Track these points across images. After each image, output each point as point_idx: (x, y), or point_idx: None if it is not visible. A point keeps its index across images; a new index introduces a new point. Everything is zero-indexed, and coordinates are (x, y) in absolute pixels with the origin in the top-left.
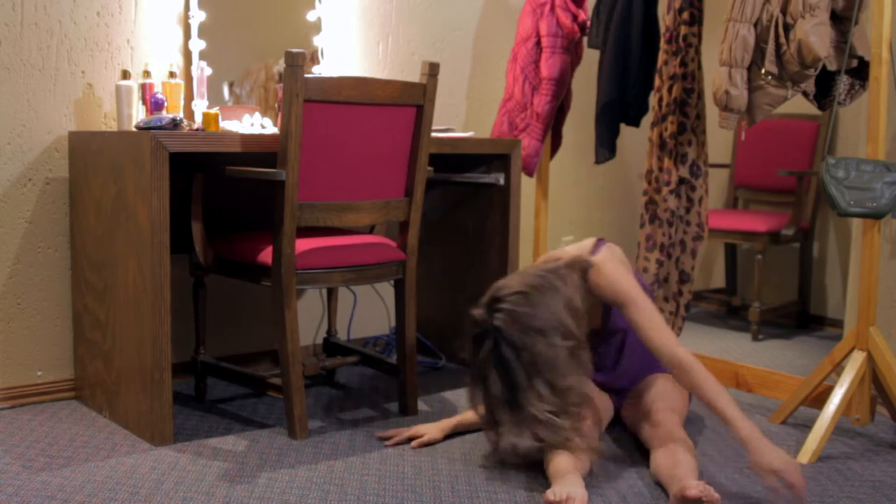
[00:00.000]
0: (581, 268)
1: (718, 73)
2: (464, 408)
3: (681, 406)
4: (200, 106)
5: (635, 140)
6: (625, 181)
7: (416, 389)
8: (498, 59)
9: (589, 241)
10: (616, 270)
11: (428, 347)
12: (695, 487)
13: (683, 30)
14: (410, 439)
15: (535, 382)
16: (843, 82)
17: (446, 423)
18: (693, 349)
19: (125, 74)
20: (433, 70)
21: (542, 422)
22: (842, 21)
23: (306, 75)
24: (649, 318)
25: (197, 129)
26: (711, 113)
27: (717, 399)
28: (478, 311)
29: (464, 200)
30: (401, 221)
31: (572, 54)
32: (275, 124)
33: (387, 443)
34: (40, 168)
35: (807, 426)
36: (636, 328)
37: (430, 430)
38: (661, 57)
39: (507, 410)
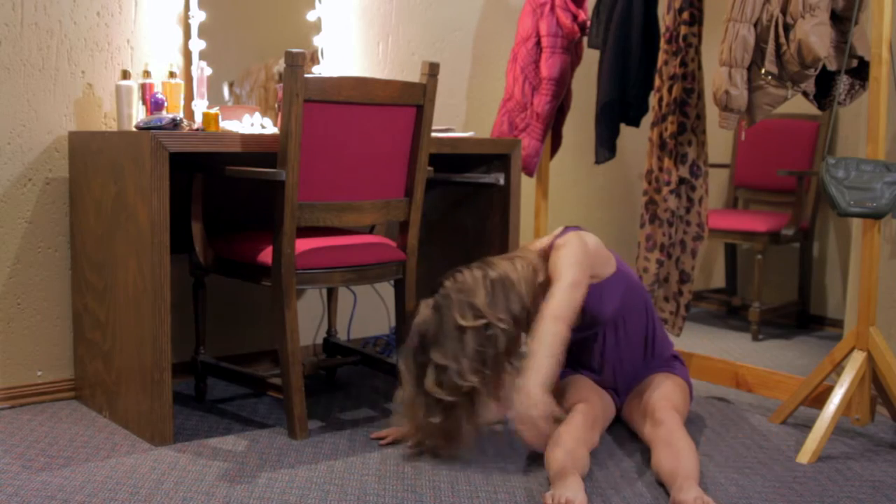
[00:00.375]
0: (540, 253)
1: (718, 73)
2: None
3: (682, 405)
4: (200, 106)
5: (635, 140)
6: (625, 181)
7: None
8: (498, 59)
9: (560, 229)
10: (565, 251)
11: None
12: (692, 502)
13: (683, 30)
14: (405, 439)
15: (432, 358)
16: (843, 82)
17: None
18: (693, 349)
19: (125, 74)
20: (433, 70)
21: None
22: (842, 21)
23: (306, 75)
24: (554, 288)
25: (197, 129)
26: (711, 113)
27: (535, 347)
28: None
29: (464, 200)
30: (401, 221)
31: (572, 54)
32: (275, 124)
33: (381, 442)
34: (40, 168)
35: (807, 426)
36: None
37: None
38: (661, 57)
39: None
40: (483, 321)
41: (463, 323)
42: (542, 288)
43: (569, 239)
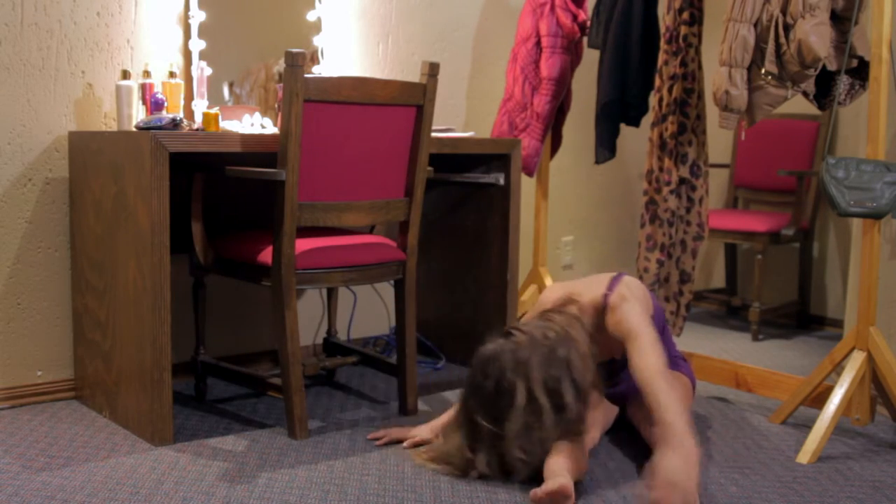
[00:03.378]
0: (596, 310)
1: (718, 73)
2: None
3: (684, 403)
4: (200, 106)
5: (635, 140)
6: (625, 181)
7: (416, 389)
8: (498, 59)
9: (605, 278)
10: (627, 310)
11: (428, 347)
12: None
13: (683, 30)
14: (402, 440)
15: (511, 426)
16: (843, 82)
17: (437, 423)
18: (693, 349)
19: (125, 74)
20: (433, 70)
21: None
22: (842, 21)
23: (306, 75)
24: (640, 348)
25: (197, 129)
26: (711, 113)
27: (662, 405)
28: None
29: (464, 200)
30: (401, 221)
31: (572, 54)
32: (275, 124)
33: (377, 442)
34: (40, 168)
35: (807, 426)
36: (628, 357)
37: (421, 430)
38: (661, 57)
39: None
40: (557, 400)
41: (536, 395)
42: (598, 344)
43: (621, 296)
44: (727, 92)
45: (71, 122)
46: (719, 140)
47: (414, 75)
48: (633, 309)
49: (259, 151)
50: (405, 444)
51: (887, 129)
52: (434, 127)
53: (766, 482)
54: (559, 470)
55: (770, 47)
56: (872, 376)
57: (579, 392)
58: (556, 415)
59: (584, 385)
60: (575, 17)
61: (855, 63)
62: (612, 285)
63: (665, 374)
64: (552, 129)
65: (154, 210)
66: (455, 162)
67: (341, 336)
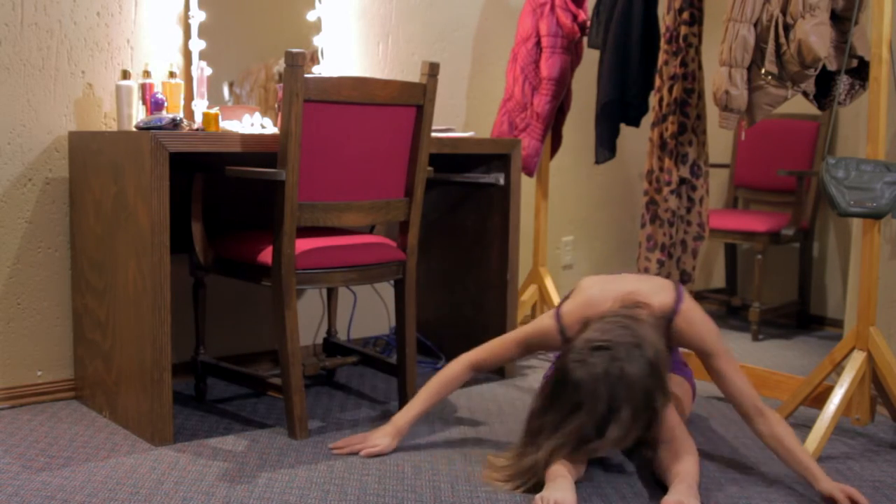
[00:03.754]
0: (667, 317)
1: (718, 73)
2: (463, 407)
3: (683, 405)
4: (200, 106)
5: (635, 140)
6: (625, 181)
7: (417, 389)
8: (498, 59)
9: (666, 284)
10: (703, 321)
11: (428, 347)
12: None
13: (683, 30)
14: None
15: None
16: (843, 82)
17: (400, 426)
18: None
19: (125, 74)
20: (433, 70)
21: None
22: (842, 21)
23: (306, 75)
24: (735, 369)
25: (197, 129)
26: (712, 113)
27: (803, 455)
28: (578, 354)
29: (464, 200)
30: (401, 221)
31: (572, 54)
32: (275, 124)
33: (336, 451)
34: (40, 168)
35: (807, 426)
36: (720, 376)
37: (383, 440)
38: (662, 57)
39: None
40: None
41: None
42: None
43: (691, 306)
44: (727, 92)
45: (71, 122)
46: (719, 140)
47: (414, 75)
48: (711, 325)
49: (259, 151)
50: (362, 453)
51: (887, 129)
52: (434, 127)
53: (766, 482)
54: (561, 471)
55: (770, 47)
56: (872, 376)
57: (667, 397)
58: (651, 420)
59: (669, 390)
60: (575, 17)
61: (855, 63)
62: (680, 295)
63: (766, 406)
64: (552, 129)
65: (154, 210)
66: (455, 162)
67: (341, 336)
